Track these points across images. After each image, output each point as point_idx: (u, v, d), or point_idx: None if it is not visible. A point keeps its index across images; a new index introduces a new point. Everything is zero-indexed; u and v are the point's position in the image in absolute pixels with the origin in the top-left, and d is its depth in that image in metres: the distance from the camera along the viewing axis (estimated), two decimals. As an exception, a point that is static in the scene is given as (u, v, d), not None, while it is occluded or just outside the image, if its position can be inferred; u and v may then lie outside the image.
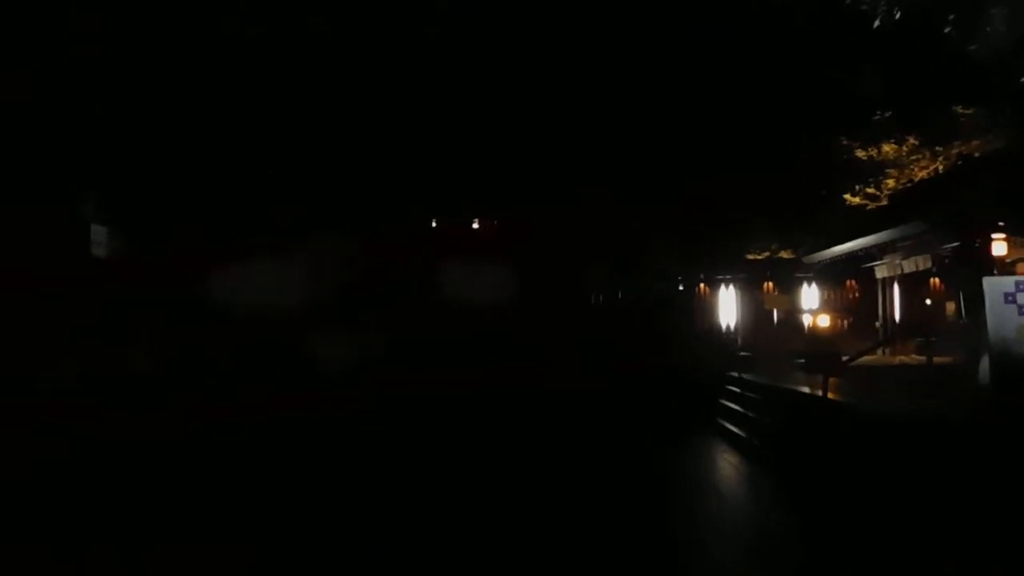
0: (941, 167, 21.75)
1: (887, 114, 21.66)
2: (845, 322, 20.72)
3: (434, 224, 22.18)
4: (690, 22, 23.60)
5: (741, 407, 13.50)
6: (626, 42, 23.82)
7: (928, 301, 21.46)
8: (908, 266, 17.79)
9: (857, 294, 21.58)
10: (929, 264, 16.63)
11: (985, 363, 7.89)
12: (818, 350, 16.22)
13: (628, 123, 24.56)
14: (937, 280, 21.63)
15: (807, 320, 20.13)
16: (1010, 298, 7.76)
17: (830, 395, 11.31)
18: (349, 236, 17.15)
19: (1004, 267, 17.45)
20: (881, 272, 19.69)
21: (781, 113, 23.74)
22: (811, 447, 8.98)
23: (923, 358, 17.98)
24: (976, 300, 15.79)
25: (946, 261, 16.50)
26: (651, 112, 24.69)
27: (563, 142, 23.84)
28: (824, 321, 16.08)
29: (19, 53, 15.34)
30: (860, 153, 22.45)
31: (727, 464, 11.42)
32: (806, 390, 11.66)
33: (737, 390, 14.59)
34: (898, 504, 6.98)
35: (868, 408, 8.74)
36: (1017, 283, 7.87)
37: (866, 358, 19.25)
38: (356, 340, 14.74)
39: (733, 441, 12.83)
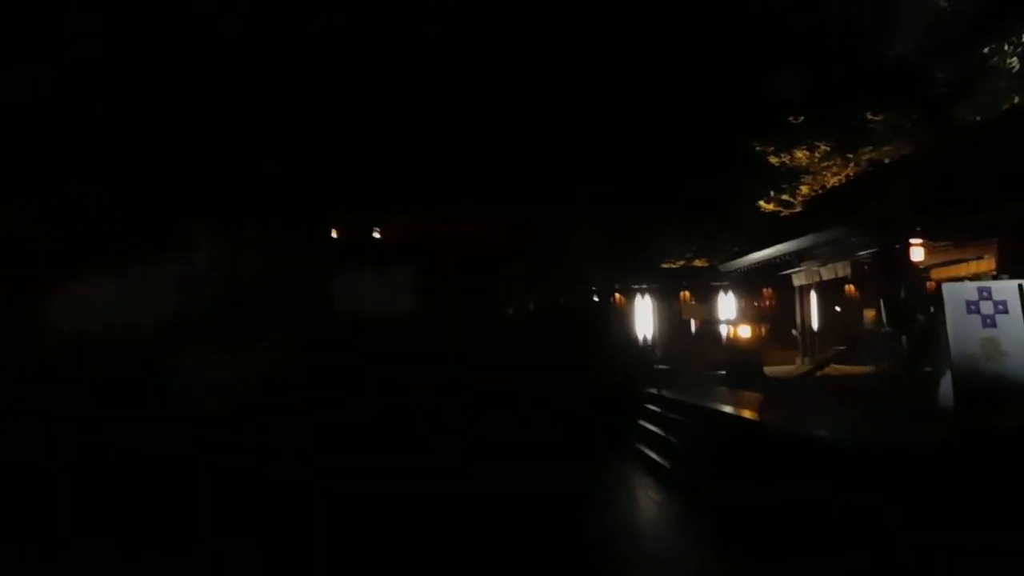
0: (852, 173, 21.62)
1: (800, 118, 21.36)
2: (763, 330, 20.17)
3: (332, 233, 20.42)
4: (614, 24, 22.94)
5: (662, 430, 12.24)
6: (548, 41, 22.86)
7: (837, 308, 21.26)
8: (826, 273, 17.28)
9: (775, 302, 21.08)
10: (848, 271, 16.11)
11: (947, 382, 7.01)
12: (739, 362, 15.45)
13: (537, 125, 23.56)
14: (852, 287, 21.46)
15: (726, 330, 19.47)
16: (973, 307, 6.85)
17: (751, 414, 10.35)
18: (233, 244, 15.31)
19: (921, 273, 17.26)
20: (799, 279, 19.20)
21: (695, 117, 23.26)
22: (750, 481, 7.90)
23: (842, 368, 17.55)
24: (897, 306, 15.42)
25: (865, 267, 16.03)
26: (561, 116, 23.78)
27: (475, 143, 22.64)
28: (745, 332, 15.29)
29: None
30: (773, 159, 22.11)
31: (649, 502, 9.98)
32: (732, 410, 10.60)
33: (657, 409, 13.44)
34: (861, 554, 5.93)
35: (819, 436, 7.67)
36: (980, 290, 6.97)
37: (784, 368, 18.75)
38: (231, 361, 12.93)
39: (655, 471, 11.23)
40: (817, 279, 18.21)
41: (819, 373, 17.59)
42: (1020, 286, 7.16)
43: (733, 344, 16.55)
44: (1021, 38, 16.59)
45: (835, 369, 17.82)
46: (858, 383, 13.50)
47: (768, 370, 16.54)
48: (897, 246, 15.45)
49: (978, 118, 19.33)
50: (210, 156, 17.14)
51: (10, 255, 13.91)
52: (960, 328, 6.88)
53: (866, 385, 13.14)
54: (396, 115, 21.67)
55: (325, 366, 14.13)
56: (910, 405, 8.05)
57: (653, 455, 11.55)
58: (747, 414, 10.20)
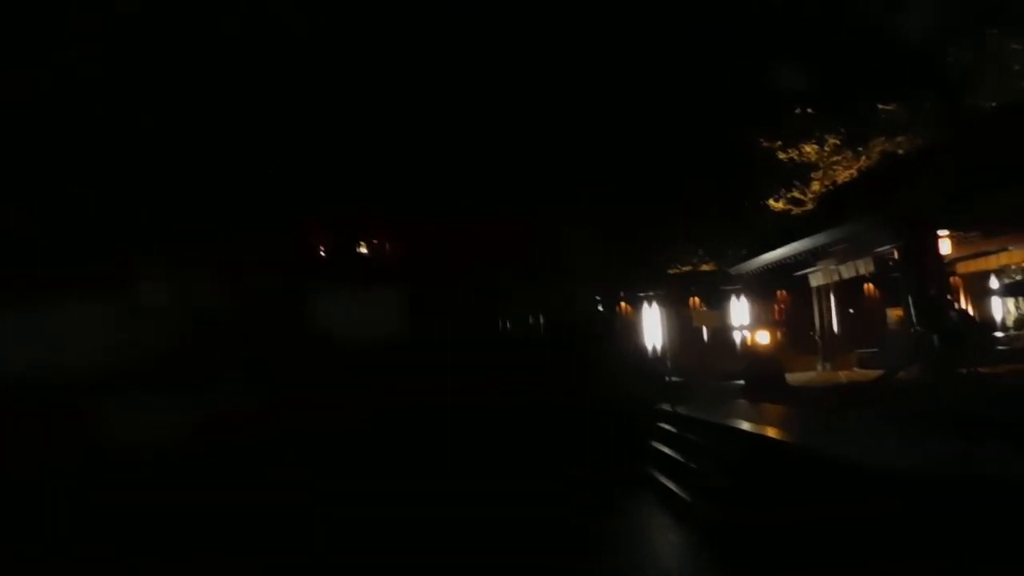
0: (864, 166, 20.56)
1: (808, 110, 20.33)
2: (778, 334, 18.97)
3: (318, 247, 19.22)
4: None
5: (679, 454, 10.95)
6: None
7: (850, 310, 20.05)
8: (846, 271, 16.10)
9: (789, 305, 19.88)
10: (871, 268, 14.93)
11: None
12: (758, 371, 14.25)
13: (536, 126, 22.54)
14: (872, 286, 20.27)
15: (742, 336, 18.30)
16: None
17: (785, 435, 9.15)
18: (202, 258, 14.12)
19: (946, 267, 16.07)
20: (816, 280, 18.03)
21: (697, 116, 22.24)
22: (791, 520, 6.70)
23: (870, 372, 16.33)
24: (927, 303, 14.22)
25: (889, 263, 14.85)
26: (562, 116, 22.76)
27: (470, 147, 21.65)
28: (764, 337, 14.07)
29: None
30: (781, 155, 21.05)
31: (667, 544, 8.65)
32: (759, 429, 9.34)
33: (672, 429, 12.19)
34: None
35: (887, 466, 6.29)
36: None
37: (805, 375, 17.53)
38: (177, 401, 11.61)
39: (671, 504, 9.88)
40: (836, 278, 17.03)
41: (844, 377, 16.39)
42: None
43: (750, 351, 15.33)
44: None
45: (861, 374, 16.61)
46: (891, 389, 12.25)
47: (788, 377, 15.31)
48: (923, 239, 14.30)
49: (993, 104, 18.35)
50: (196, 161, 16.08)
51: None
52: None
53: (902, 391, 11.90)
54: (392, 118, 20.76)
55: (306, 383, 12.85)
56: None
57: (669, 483, 10.31)
58: (778, 434, 8.97)
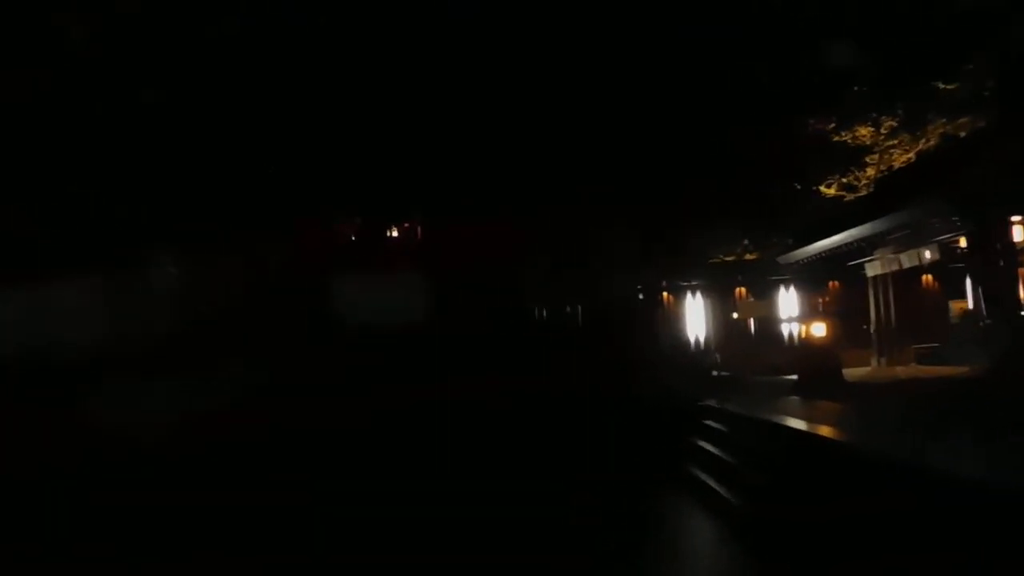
0: (924, 149, 19.38)
1: (864, 89, 19.19)
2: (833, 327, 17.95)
3: (352, 232, 18.67)
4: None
5: (726, 453, 10.15)
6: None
7: (909, 302, 18.91)
8: (907, 260, 15.09)
9: (841, 296, 18.85)
10: (937, 256, 13.91)
11: None
12: (813, 366, 13.33)
13: (571, 117, 21.76)
14: (931, 277, 19.14)
15: (794, 329, 17.37)
16: None
17: (850, 438, 8.28)
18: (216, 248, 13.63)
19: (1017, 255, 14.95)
20: (873, 269, 17.01)
21: (744, 95, 21.21)
22: (858, 540, 5.89)
23: (932, 368, 15.32)
24: (999, 295, 13.18)
25: (958, 252, 13.83)
26: (598, 105, 21.94)
27: (503, 137, 20.95)
28: (819, 330, 13.13)
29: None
30: (835, 137, 19.93)
31: (711, 553, 7.86)
32: (820, 431, 8.47)
33: (720, 427, 11.34)
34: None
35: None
36: None
37: (860, 370, 16.54)
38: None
39: (714, 505, 9.09)
40: (895, 267, 16.00)
41: (903, 373, 15.39)
42: None
43: (803, 345, 14.41)
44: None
45: (922, 370, 15.59)
46: (961, 389, 11.28)
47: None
48: (994, 225, 13.28)
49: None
50: (209, 155, 15.68)
51: None
52: None
53: (972, 392, 10.91)
54: (407, 115, 20.33)
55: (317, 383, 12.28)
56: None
57: (713, 483, 9.50)
58: (839, 436, 8.12)
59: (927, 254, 14.32)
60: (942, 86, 18.82)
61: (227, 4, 17.18)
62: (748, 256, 23.29)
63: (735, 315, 19.19)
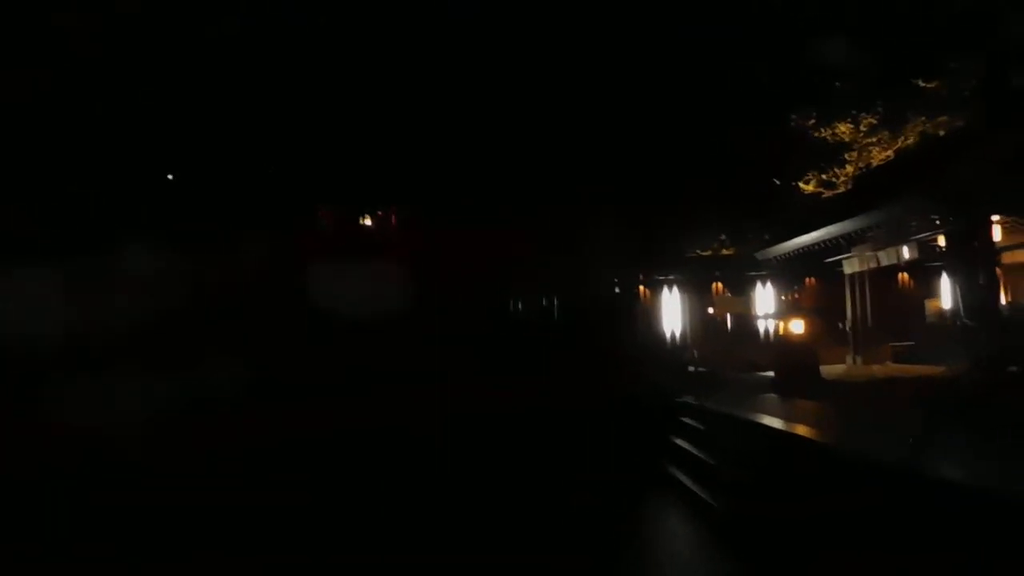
0: (902, 147, 19.33)
1: (845, 86, 19.10)
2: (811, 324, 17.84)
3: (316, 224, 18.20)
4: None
5: (705, 453, 9.92)
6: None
7: (885, 301, 18.87)
8: (886, 258, 14.97)
9: (818, 293, 18.75)
10: (916, 254, 13.79)
11: None
12: (790, 363, 13.18)
13: (550, 111, 21.49)
14: (906, 276, 19.10)
15: (767, 325, 17.23)
16: None
17: (837, 439, 8.10)
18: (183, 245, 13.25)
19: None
20: (851, 267, 16.90)
21: (724, 91, 21.07)
22: (844, 544, 5.67)
23: (907, 367, 15.27)
24: (977, 295, 13.08)
25: (937, 250, 13.71)
26: (579, 92, 21.67)
27: (503, 137, 20.76)
28: (798, 327, 12.97)
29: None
30: (815, 134, 19.83)
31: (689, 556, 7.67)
32: (803, 431, 8.27)
33: (697, 425, 11.13)
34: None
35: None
36: None
37: (835, 368, 16.44)
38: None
39: (696, 509, 8.94)
40: (873, 265, 15.90)
41: (879, 371, 15.32)
42: None
43: (780, 342, 14.25)
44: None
45: (897, 369, 15.54)
46: (938, 388, 11.15)
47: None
48: (974, 224, 13.15)
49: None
50: (209, 153, 15.45)
51: None
52: None
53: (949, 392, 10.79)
54: (397, 112, 20.02)
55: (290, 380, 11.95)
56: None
57: (693, 485, 9.28)
58: (818, 436, 7.91)
59: (905, 252, 14.20)
60: (923, 84, 18.83)
61: (227, 4, 16.97)
62: (725, 251, 23.18)
63: (711, 310, 18.98)
